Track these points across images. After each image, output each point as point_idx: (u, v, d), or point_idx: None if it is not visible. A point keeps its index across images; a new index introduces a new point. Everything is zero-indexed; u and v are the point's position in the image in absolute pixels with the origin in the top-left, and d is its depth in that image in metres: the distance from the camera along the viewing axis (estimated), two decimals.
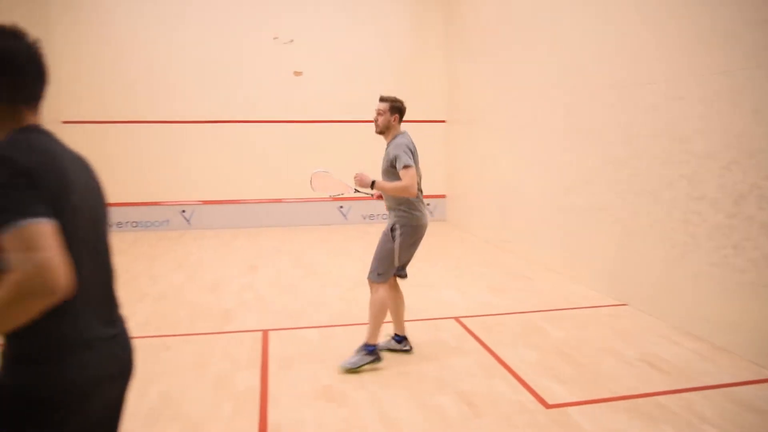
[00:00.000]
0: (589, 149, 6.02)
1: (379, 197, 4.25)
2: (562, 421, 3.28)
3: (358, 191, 4.13)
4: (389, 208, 4.16)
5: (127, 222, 10.14)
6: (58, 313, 1.45)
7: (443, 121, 11.06)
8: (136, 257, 7.83)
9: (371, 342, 4.07)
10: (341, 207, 10.91)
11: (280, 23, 10.41)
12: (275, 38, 10.34)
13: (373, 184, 3.96)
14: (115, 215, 10.05)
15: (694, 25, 4.58)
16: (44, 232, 1.36)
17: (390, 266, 4.08)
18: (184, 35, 10.08)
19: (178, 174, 10.21)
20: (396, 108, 4.14)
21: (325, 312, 5.43)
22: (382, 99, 4.17)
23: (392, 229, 4.04)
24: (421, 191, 4.11)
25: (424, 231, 4.17)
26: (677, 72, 4.75)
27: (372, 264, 4.11)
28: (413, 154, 4.02)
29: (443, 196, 11.22)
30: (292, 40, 10.40)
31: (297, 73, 10.47)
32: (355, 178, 3.99)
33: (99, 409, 1.62)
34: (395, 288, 4.28)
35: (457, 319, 5.13)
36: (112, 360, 1.65)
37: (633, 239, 5.38)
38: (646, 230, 5.19)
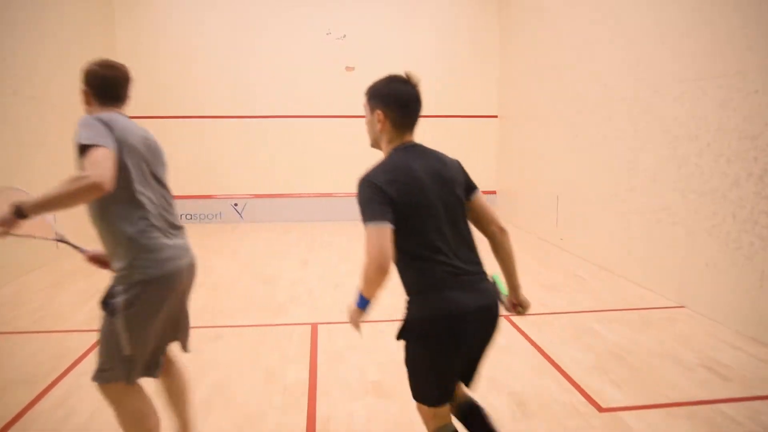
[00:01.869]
0: (654, 147, 5.80)
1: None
2: (616, 425, 3.18)
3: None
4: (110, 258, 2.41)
5: (182, 214, 10.43)
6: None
7: (495, 117, 10.91)
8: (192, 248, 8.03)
9: None
10: None
11: (333, 19, 10.47)
12: (328, 34, 10.42)
13: (20, 211, 2.18)
14: None
15: None
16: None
17: (120, 359, 2.35)
18: (240, 33, 10.27)
19: (230, 168, 10.43)
20: (83, 77, 2.51)
21: (375, 307, 5.43)
22: None
23: (108, 297, 2.34)
24: (166, 207, 2.50)
25: (175, 283, 2.44)
26: (751, 64, 4.51)
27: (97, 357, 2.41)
28: (111, 130, 2.28)
29: (494, 192, 11.07)
30: (344, 36, 10.45)
31: (349, 69, 10.51)
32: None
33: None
34: (165, 377, 2.69)
35: (507, 317, 5.05)
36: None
37: (695, 240, 5.17)
38: (709, 230, 4.98)
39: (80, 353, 4.25)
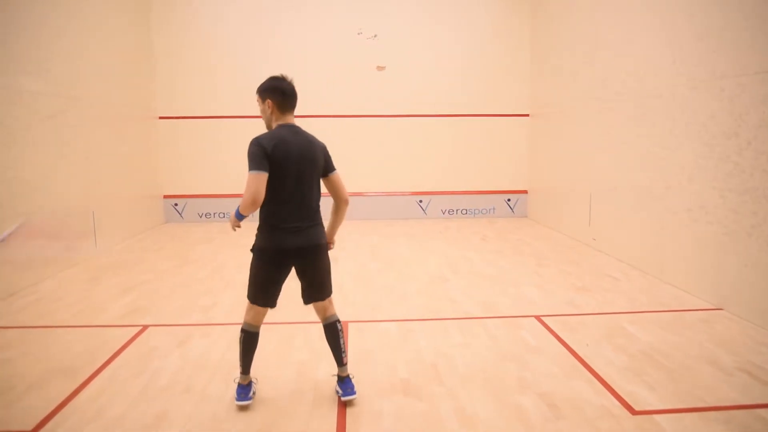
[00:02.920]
0: (691, 144, 5.67)
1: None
2: (650, 429, 3.13)
3: None
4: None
5: (215, 213, 10.60)
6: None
7: (527, 115, 10.79)
8: (223, 246, 8.18)
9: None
10: (420, 201, 10.90)
11: (364, 18, 10.50)
12: (359, 33, 10.45)
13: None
14: (203, 206, 10.55)
15: None
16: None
17: None
18: (270, 34, 10.38)
19: None
20: None
21: (404, 306, 5.45)
22: None
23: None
24: None
25: None
26: None
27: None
28: None
29: (525, 192, 10.96)
30: (375, 35, 10.47)
31: (380, 68, 10.53)
32: None
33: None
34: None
35: (538, 317, 5.00)
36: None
37: (733, 240, 5.03)
38: (748, 231, 4.85)
39: (117, 347, 4.36)
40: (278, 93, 3.26)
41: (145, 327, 4.81)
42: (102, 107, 8.05)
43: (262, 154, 3.10)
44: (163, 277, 6.54)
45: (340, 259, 7.38)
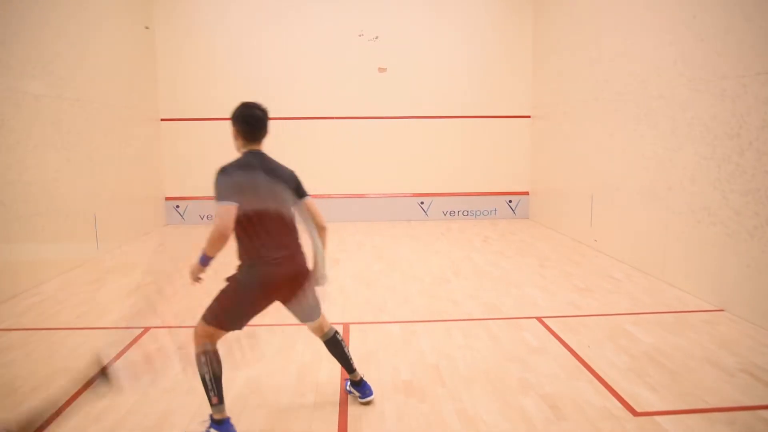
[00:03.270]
0: (693, 145, 5.67)
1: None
2: (652, 430, 3.13)
3: None
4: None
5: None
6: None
7: (528, 117, 10.79)
8: (225, 248, 8.17)
9: None
10: (422, 203, 10.91)
11: (365, 20, 10.51)
12: (360, 35, 10.46)
13: None
14: (205, 208, 10.56)
15: None
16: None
17: None
18: (271, 35, 10.39)
19: None
20: None
21: (407, 307, 5.45)
22: None
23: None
24: None
25: None
26: None
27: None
28: None
29: (527, 193, 10.96)
30: (377, 37, 10.48)
31: (381, 70, 10.54)
32: None
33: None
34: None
35: (539, 319, 5.00)
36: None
37: (736, 241, 5.03)
38: (750, 231, 4.84)
39: (120, 349, 4.37)
40: (241, 121, 3.09)
41: (147, 329, 4.82)
42: (105, 109, 8.07)
43: (231, 183, 2.91)
44: (166, 278, 6.55)
45: (343, 261, 7.39)
